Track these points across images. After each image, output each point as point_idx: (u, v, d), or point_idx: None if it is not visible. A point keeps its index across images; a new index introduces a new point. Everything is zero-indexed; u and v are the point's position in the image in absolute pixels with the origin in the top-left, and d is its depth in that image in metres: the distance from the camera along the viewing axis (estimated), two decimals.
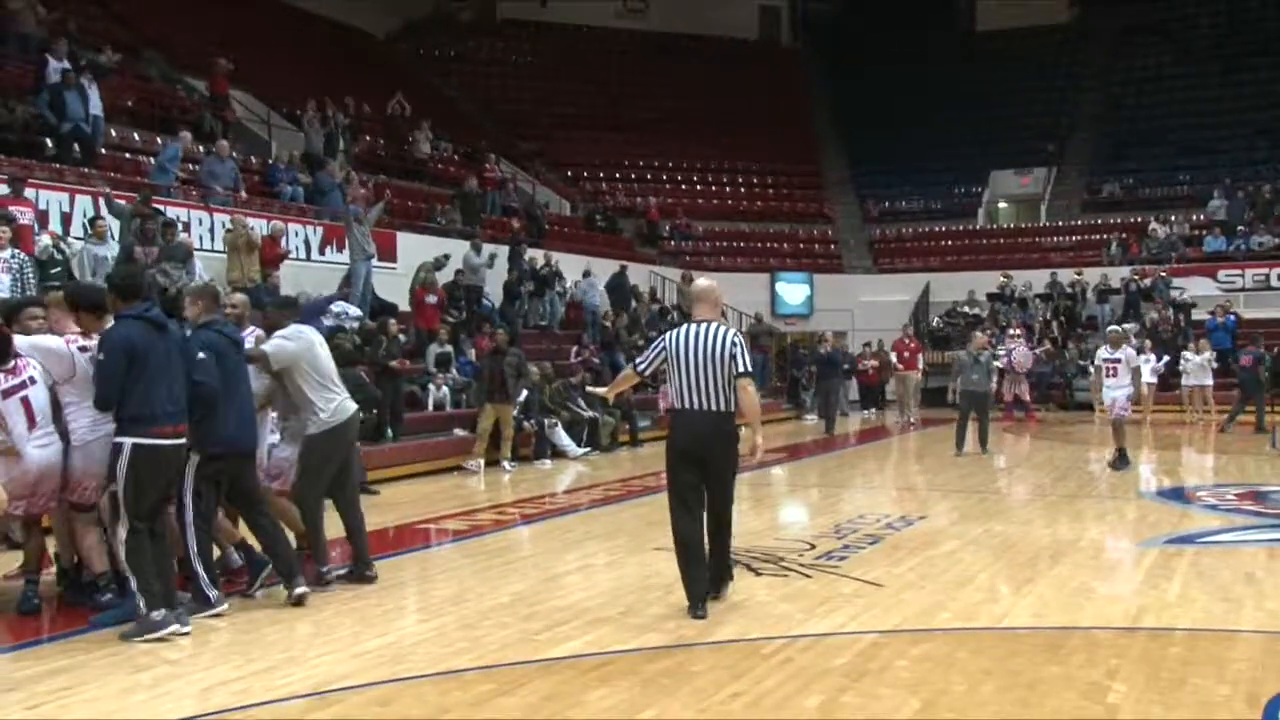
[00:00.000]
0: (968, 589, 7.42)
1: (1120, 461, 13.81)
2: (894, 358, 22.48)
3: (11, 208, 13.02)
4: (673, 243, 29.86)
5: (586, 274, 22.68)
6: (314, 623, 6.65)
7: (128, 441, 6.20)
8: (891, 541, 9.19)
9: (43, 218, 13.93)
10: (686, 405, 6.75)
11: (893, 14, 36.99)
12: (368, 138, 23.78)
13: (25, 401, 6.56)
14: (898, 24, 36.97)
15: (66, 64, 16.15)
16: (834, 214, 33.26)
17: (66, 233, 14.26)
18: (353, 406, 7.73)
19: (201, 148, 18.37)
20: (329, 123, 21.03)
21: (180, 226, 15.67)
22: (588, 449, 16.64)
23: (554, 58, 34.58)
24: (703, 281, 7.39)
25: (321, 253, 18.27)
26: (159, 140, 17.87)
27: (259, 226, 16.44)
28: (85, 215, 14.61)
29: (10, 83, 16.83)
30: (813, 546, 8.90)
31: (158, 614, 6.16)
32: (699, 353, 6.71)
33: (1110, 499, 11.97)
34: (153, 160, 17.02)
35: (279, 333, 7.50)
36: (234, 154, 18.23)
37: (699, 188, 32.92)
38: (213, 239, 16.23)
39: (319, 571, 7.47)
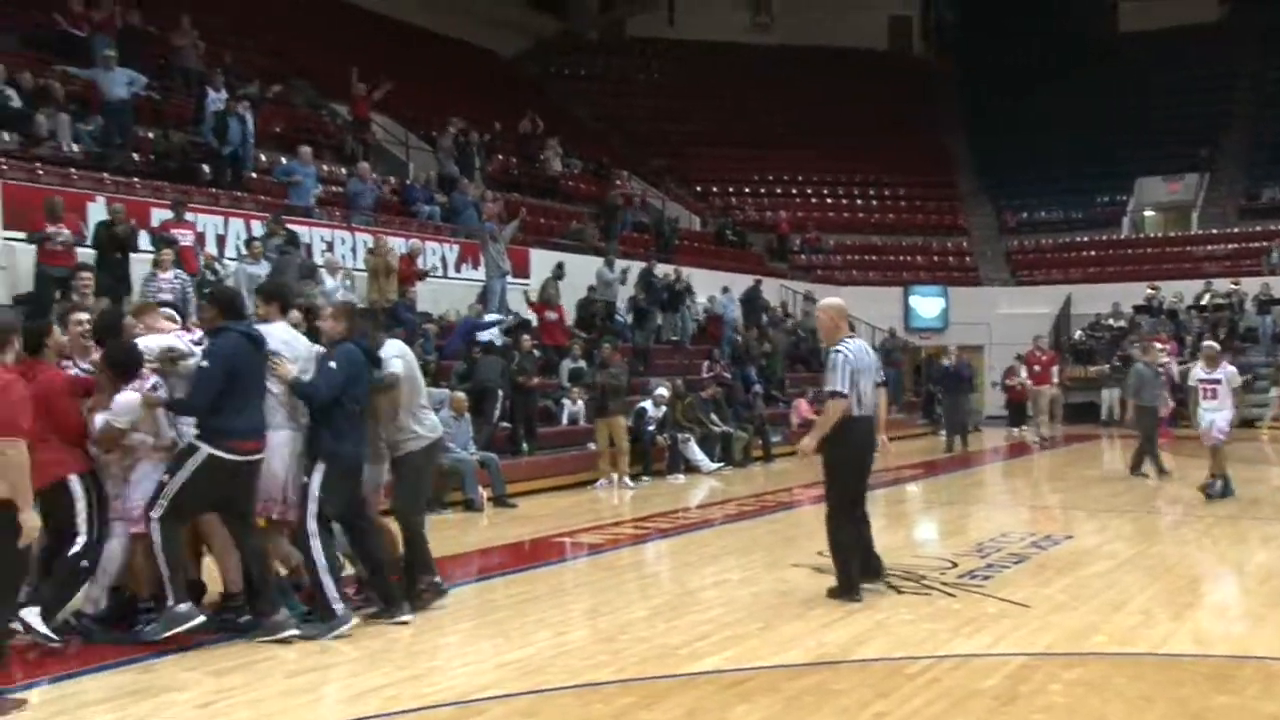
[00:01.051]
0: (1122, 612, 7.14)
1: (1219, 488, 12.50)
2: (1024, 372, 21.75)
3: (174, 230, 13.65)
4: (803, 257, 29.64)
5: (725, 290, 22.68)
6: (458, 633, 6.77)
7: (205, 449, 6.24)
8: (1038, 561, 8.91)
9: (200, 239, 14.56)
10: (863, 413, 7.30)
11: (1028, 18, 36.11)
12: (500, 156, 24.23)
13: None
14: (1034, 29, 36.07)
15: (225, 94, 16.87)
16: (969, 225, 32.57)
17: (221, 253, 14.87)
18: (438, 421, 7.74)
19: (344, 170, 18.96)
20: (463, 143, 21.49)
21: (324, 246, 16.25)
22: (721, 464, 16.59)
23: (682, 74, 34.72)
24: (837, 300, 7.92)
25: (458, 270, 18.67)
26: (282, 160, 18.48)
27: (397, 245, 16.88)
28: (239, 236, 15.21)
29: (172, 114, 17.66)
30: (954, 565, 8.69)
31: (184, 606, 6.24)
32: (869, 364, 7.40)
33: (1276, 521, 11.38)
34: (290, 181, 17.59)
35: (391, 351, 7.26)
36: (374, 175, 18.76)
37: (829, 201, 32.62)
38: (355, 258, 16.72)
39: (431, 581, 7.35)
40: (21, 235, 12.68)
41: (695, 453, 16.29)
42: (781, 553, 9.48)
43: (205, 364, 6.33)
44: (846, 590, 7.37)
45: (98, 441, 6.38)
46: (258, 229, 15.22)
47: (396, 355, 7.23)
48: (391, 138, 22.46)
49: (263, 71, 21.06)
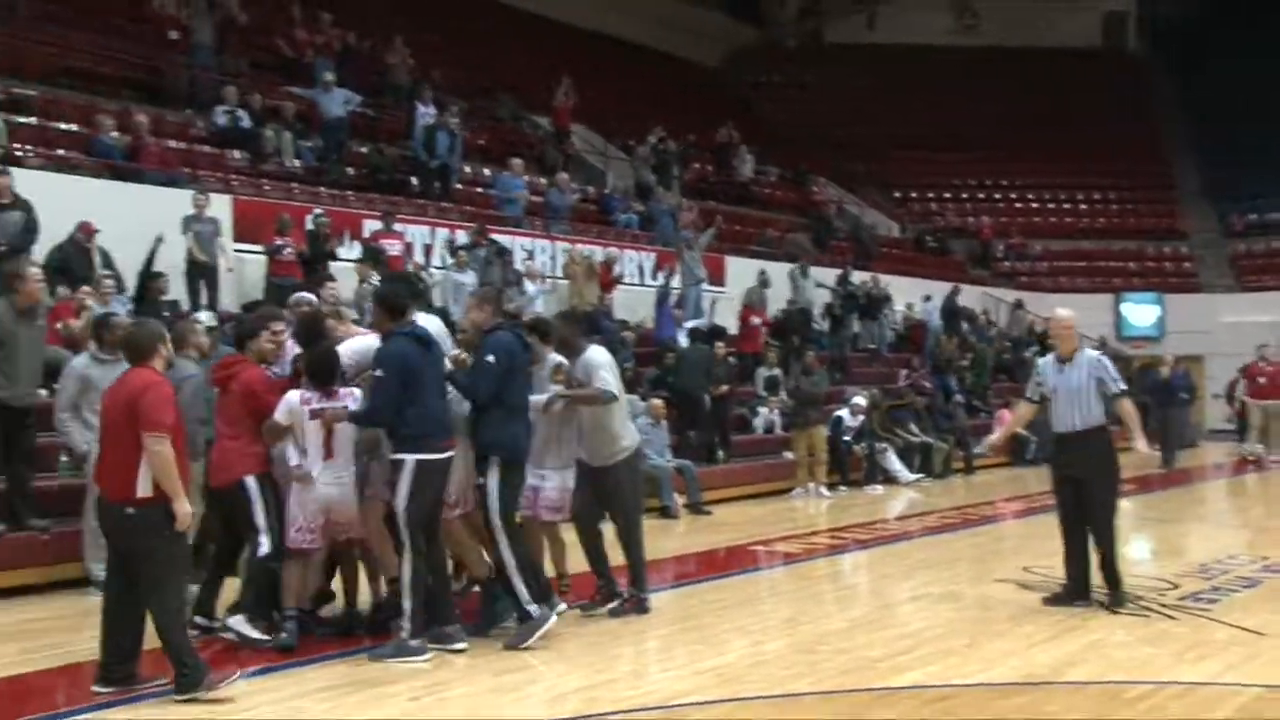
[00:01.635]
0: None
1: None
2: (1243, 384, 20.28)
3: (383, 240, 14.26)
4: (1007, 263, 28.64)
5: (927, 298, 22.16)
6: (656, 639, 6.81)
7: (410, 459, 6.10)
8: (1272, 586, 8.31)
9: (409, 249, 15.16)
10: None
11: (1253, 10, 33.87)
12: (696, 165, 24.34)
13: (330, 430, 6.33)
14: (1260, 21, 33.80)
15: (433, 109, 17.55)
16: (1188, 229, 30.79)
17: (428, 263, 15.44)
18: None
19: (544, 180, 19.43)
20: (661, 151, 21.68)
21: (525, 254, 16.67)
22: (920, 475, 16.19)
23: (883, 78, 34.07)
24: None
25: (654, 277, 18.83)
26: (503, 175, 19.00)
27: (595, 253, 17.17)
28: (444, 246, 15.76)
29: (384, 128, 18.48)
30: (1175, 586, 8.20)
31: (417, 641, 6.06)
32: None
33: None
34: (508, 197, 18.12)
35: (594, 360, 6.99)
36: (573, 185, 19.13)
37: (1035, 205, 31.41)
38: (554, 266, 17.08)
39: (639, 596, 7.22)
40: (251, 247, 13.46)
41: (893, 463, 15.95)
42: (985, 567, 9.17)
43: (379, 373, 6.18)
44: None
45: (264, 435, 6.43)
46: (462, 238, 15.74)
47: (605, 366, 6.97)
48: (590, 148, 22.88)
49: (469, 86, 21.82)
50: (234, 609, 6.39)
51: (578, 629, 6.80)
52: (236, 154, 15.59)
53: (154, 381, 5.51)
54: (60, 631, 6.89)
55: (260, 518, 6.32)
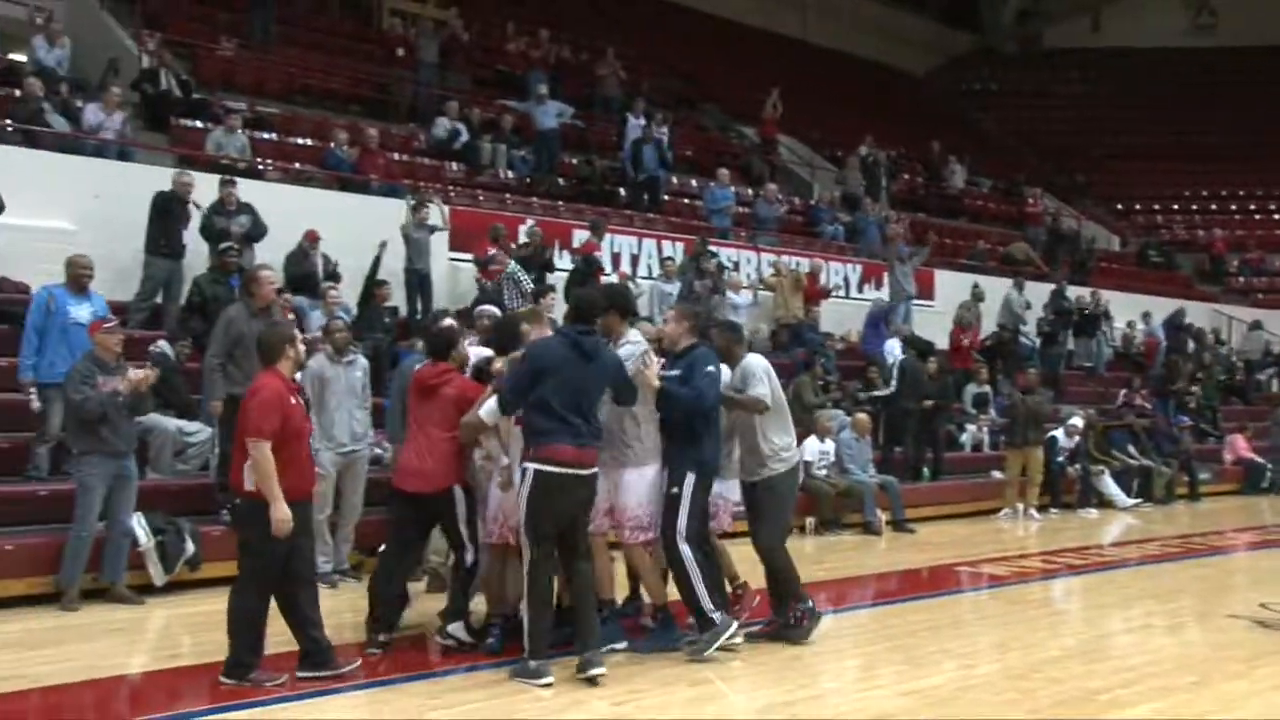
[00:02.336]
0: None
1: None
2: None
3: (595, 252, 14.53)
4: (1240, 279, 26.90)
5: (1146, 315, 21.07)
6: (860, 656, 6.68)
7: (530, 467, 5.88)
8: None
9: (616, 259, 15.40)
10: None
11: None
12: (906, 176, 23.86)
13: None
14: None
15: (643, 120, 17.81)
16: None
17: (635, 273, 15.64)
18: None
19: (750, 191, 19.42)
20: (870, 162, 21.36)
21: (731, 265, 16.68)
22: (1138, 500, 15.39)
23: (1106, 84, 32.58)
24: None
25: (860, 290, 18.55)
26: (710, 185, 19.10)
27: (801, 265, 17.03)
28: (650, 257, 15.95)
29: (594, 140, 18.87)
30: None
31: (535, 663, 5.76)
32: None
33: None
34: (718, 209, 18.23)
35: (756, 367, 6.73)
36: (779, 196, 19.07)
37: (1276, 218, 29.37)
38: (759, 277, 17.02)
39: (806, 608, 6.81)
40: (465, 256, 13.94)
41: (1110, 486, 15.21)
42: (1214, 601, 8.62)
43: (516, 367, 6.15)
44: None
45: (461, 433, 6.33)
46: (667, 249, 15.89)
47: (763, 374, 6.68)
48: (797, 158, 22.74)
49: (676, 97, 22.03)
50: (451, 615, 6.45)
51: (780, 645, 6.69)
52: (454, 166, 16.20)
53: (263, 386, 5.67)
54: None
55: (464, 527, 6.40)
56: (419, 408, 6.52)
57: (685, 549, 6.28)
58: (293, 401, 5.75)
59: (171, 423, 9.19)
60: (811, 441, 12.37)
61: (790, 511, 6.96)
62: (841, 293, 18.13)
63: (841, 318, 17.48)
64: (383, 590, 6.48)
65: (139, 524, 7.79)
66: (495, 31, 20.31)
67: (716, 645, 6.25)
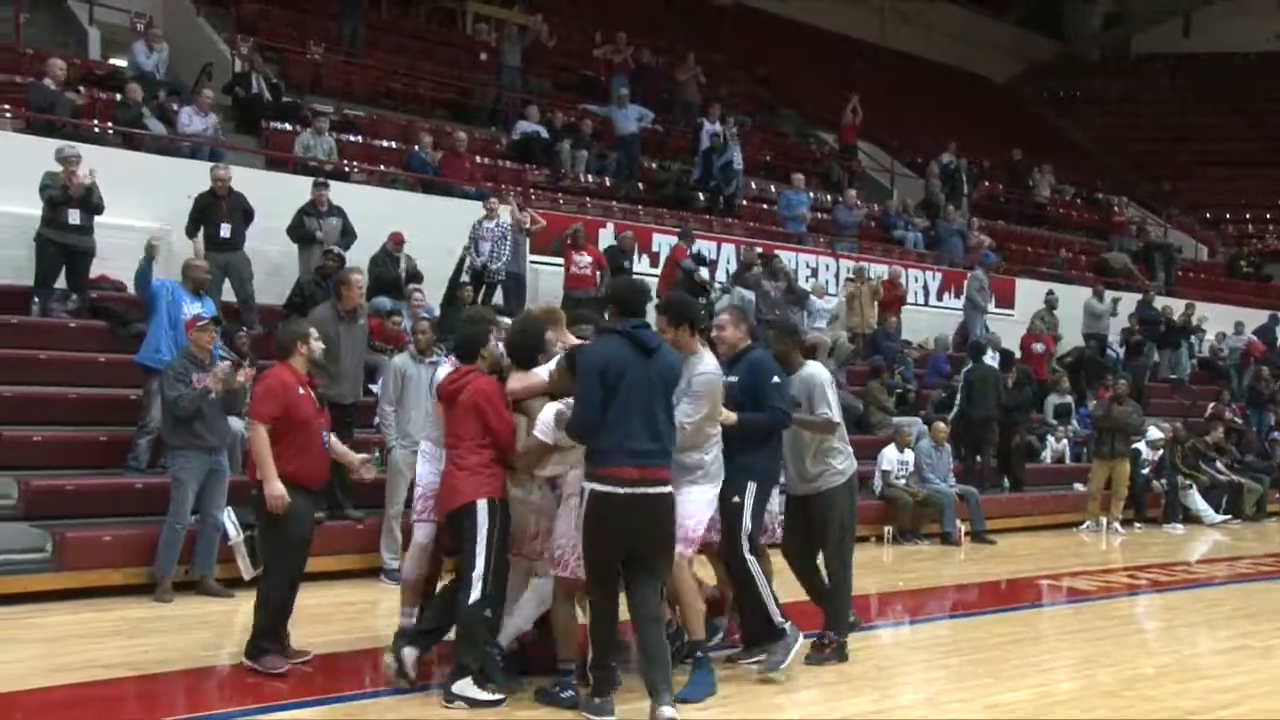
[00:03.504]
0: None
1: None
2: None
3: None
4: None
5: (1238, 327, 20.54)
6: (943, 669, 6.61)
7: (587, 488, 5.19)
8: None
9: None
10: None
11: None
12: (987, 183, 23.55)
13: None
14: None
15: (718, 126, 17.80)
16: None
17: (713, 277, 15.61)
18: None
19: (829, 197, 19.29)
20: (951, 169, 21.11)
21: (809, 272, 16.59)
22: (1227, 516, 15.02)
23: (1196, 90, 31.83)
24: None
25: (939, 298, 18.33)
26: (784, 190, 19.02)
27: (879, 272, 16.87)
28: (729, 261, 15.92)
29: (672, 145, 18.90)
30: None
31: (599, 699, 5.21)
32: None
33: None
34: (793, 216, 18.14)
35: (816, 379, 6.36)
36: (859, 202, 18.93)
37: None
38: (836, 284, 16.92)
39: (838, 641, 6.43)
40: (546, 259, 14.01)
41: (1197, 501, 14.86)
42: None
43: (578, 378, 5.29)
44: None
45: (520, 457, 5.61)
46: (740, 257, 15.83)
47: (827, 387, 6.34)
48: (876, 164, 22.56)
49: (755, 102, 21.96)
50: (455, 673, 5.45)
51: (860, 655, 6.63)
52: (535, 169, 16.33)
53: (270, 375, 6.12)
54: (369, 616, 7.39)
55: (480, 556, 5.43)
56: (445, 418, 5.78)
57: (751, 560, 6.01)
58: (300, 393, 6.00)
59: (238, 422, 9.24)
60: (890, 450, 12.27)
61: (853, 527, 6.50)
62: (920, 300, 17.94)
63: (921, 326, 17.30)
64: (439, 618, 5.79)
65: (229, 519, 7.96)
66: (577, 36, 20.43)
67: (791, 656, 6.01)
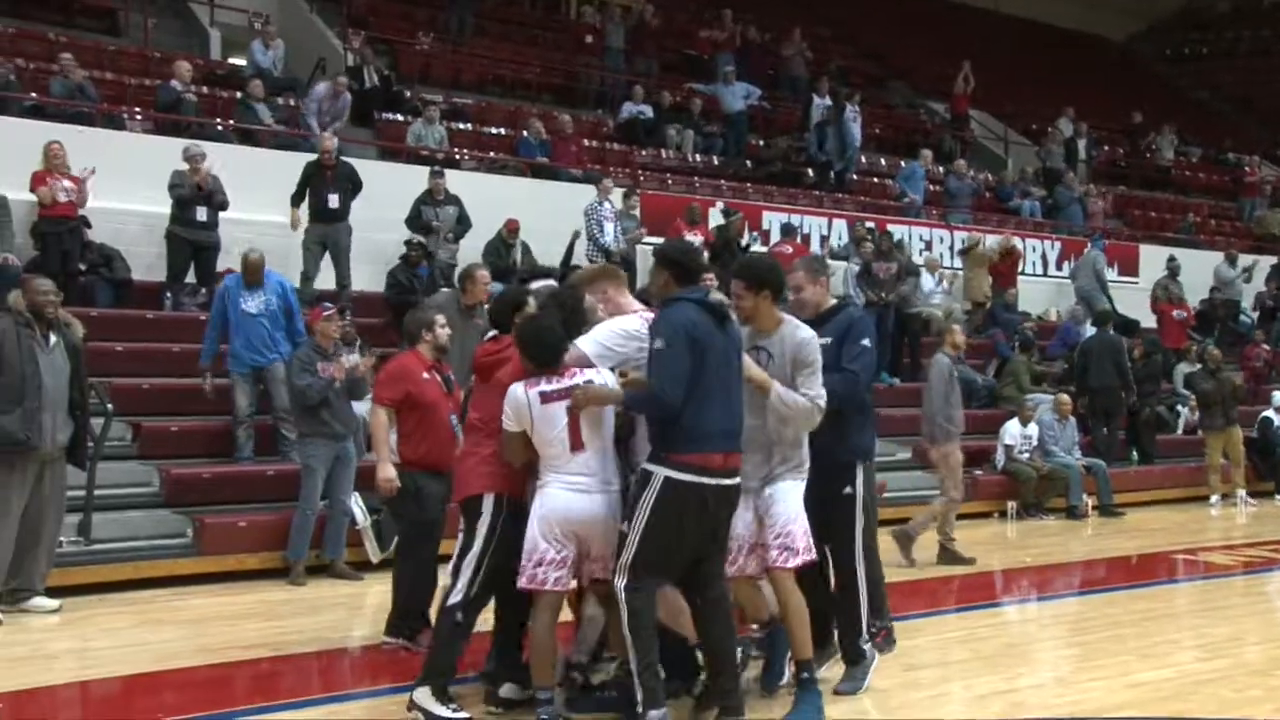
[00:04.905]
0: None
1: None
2: None
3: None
4: None
5: None
6: (1079, 646, 6.44)
7: (660, 472, 4.51)
8: None
9: (805, 241, 15.21)
10: None
11: None
12: (1106, 147, 22.80)
13: (574, 415, 4.68)
14: None
15: (829, 101, 17.55)
16: None
17: (825, 255, 15.42)
18: None
19: (941, 168, 18.91)
20: (1069, 135, 20.49)
21: (922, 245, 16.28)
22: None
23: None
24: None
25: (1058, 268, 17.85)
26: (902, 164, 18.73)
27: (995, 242, 16.46)
28: (841, 237, 15.71)
29: (779, 121, 18.71)
30: None
31: (657, 712, 4.46)
32: None
33: None
34: (892, 182, 17.84)
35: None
36: (971, 172, 18.50)
37: None
38: (952, 256, 16.58)
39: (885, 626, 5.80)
40: (658, 240, 13.99)
41: None
42: None
43: (659, 344, 4.53)
44: None
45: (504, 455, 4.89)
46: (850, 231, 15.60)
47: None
48: (990, 134, 22.02)
49: (864, 75, 21.61)
50: (420, 677, 4.89)
51: (988, 634, 6.50)
52: (643, 151, 16.32)
53: (394, 361, 6.28)
54: None
55: (474, 554, 4.83)
56: (475, 390, 5.23)
57: (862, 564, 5.23)
58: (425, 377, 6.04)
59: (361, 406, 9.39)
60: (1013, 424, 12.00)
61: (874, 507, 5.58)
62: (1039, 270, 17.48)
63: (1039, 297, 16.85)
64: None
65: (356, 504, 8.13)
66: (681, 16, 20.35)
67: (870, 677, 5.29)
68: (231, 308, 8.72)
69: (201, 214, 10.18)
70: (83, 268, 10.11)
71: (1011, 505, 11.61)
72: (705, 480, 4.47)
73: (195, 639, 6.33)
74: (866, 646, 5.26)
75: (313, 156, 11.14)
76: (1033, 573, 9.07)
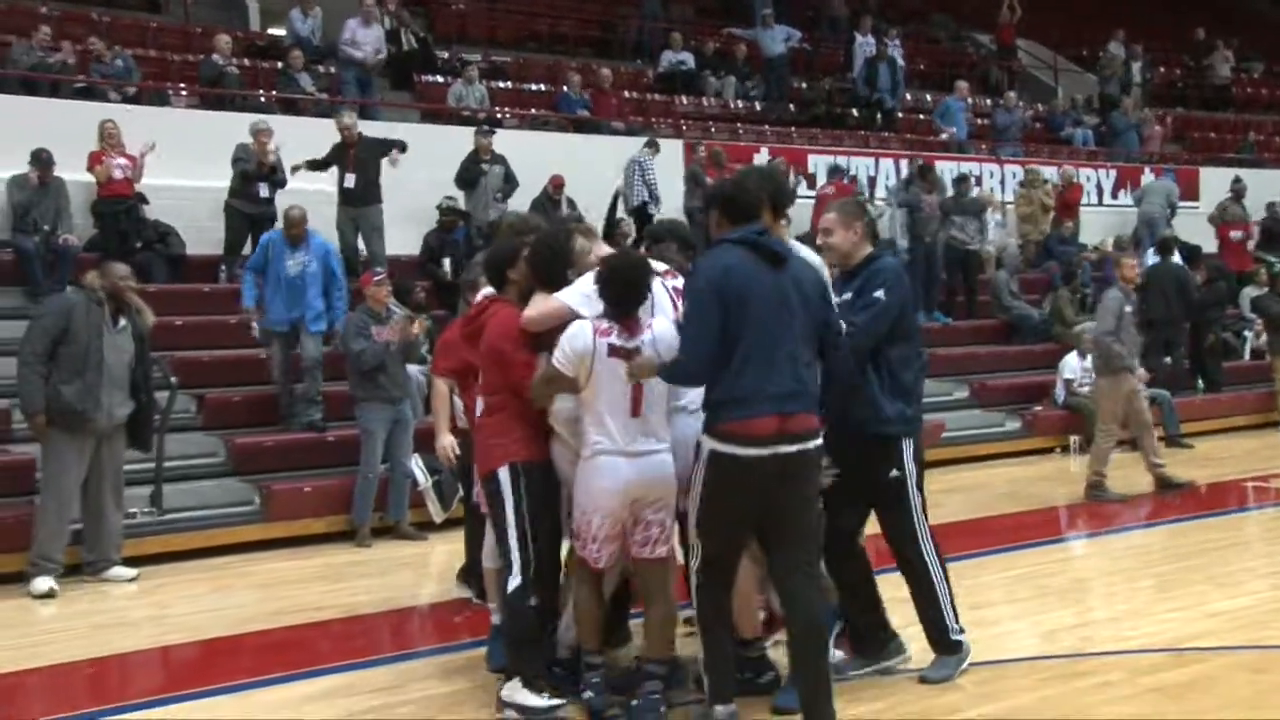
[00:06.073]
0: None
1: None
2: None
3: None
4: None
5: None
6: (1153, 577, 6.35)
7: (707, 444, 4.03)
8: None
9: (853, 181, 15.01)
10: None
11: None
12: (1162, 69, 22.18)
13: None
14: None
15: (872, 39, 17.22)
16: None
17: (871, 195, 15.21)
18: None
19: (989, 101, 18.52)
20: (1122, 58, 19.95)
21: (973, 180, 15.99)
22: None
23: None
24: None
25: (1114, 196, 17.46)
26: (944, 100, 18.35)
27: (1049, 174, 16.14)
28: (888, 177, 15.48)
29: (821, 62, 18.41)
30: None
31: (723, 709, 4.11)
32: None
33: None
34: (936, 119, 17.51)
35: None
36: (1020, 103, 18.10)
37: None
38: (1003, 190, 16.29)
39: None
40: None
41: None
42: None
43: (684, 306, 4.14)
44: None
45: (534, 392, 4.35)
46: (906, 168, 15.35)
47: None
48: (1038, 62, 21.52)
49: (905, 11, 21.17)
50: (508, 672, 4.54)
51: (1056, 569, 6.42)
52: (684, 99, 16.15)
53: (447, 329, 6.03)
54: None
55: (513, 534, 4.39)
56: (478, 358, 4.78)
57: (925, 542, 4.63)
58: None
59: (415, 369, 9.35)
60: (1072, 358, 11.82)
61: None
62: (1094, 200, 17.12)
63: (1096, 226, 16.52)
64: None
65: (417, 465, 8.19)
66: None
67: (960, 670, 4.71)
68: (273, 262, 8.70)
69: (263, 190, 10.27)
70: (139, 245, 10.22)
71: (1075, 439, 11.45)
72: (750, 452, 3.89)
73: (267, 603, 6.44)
74: (960, 638, 4.66)
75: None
76: (1099, 506, 8.95)
